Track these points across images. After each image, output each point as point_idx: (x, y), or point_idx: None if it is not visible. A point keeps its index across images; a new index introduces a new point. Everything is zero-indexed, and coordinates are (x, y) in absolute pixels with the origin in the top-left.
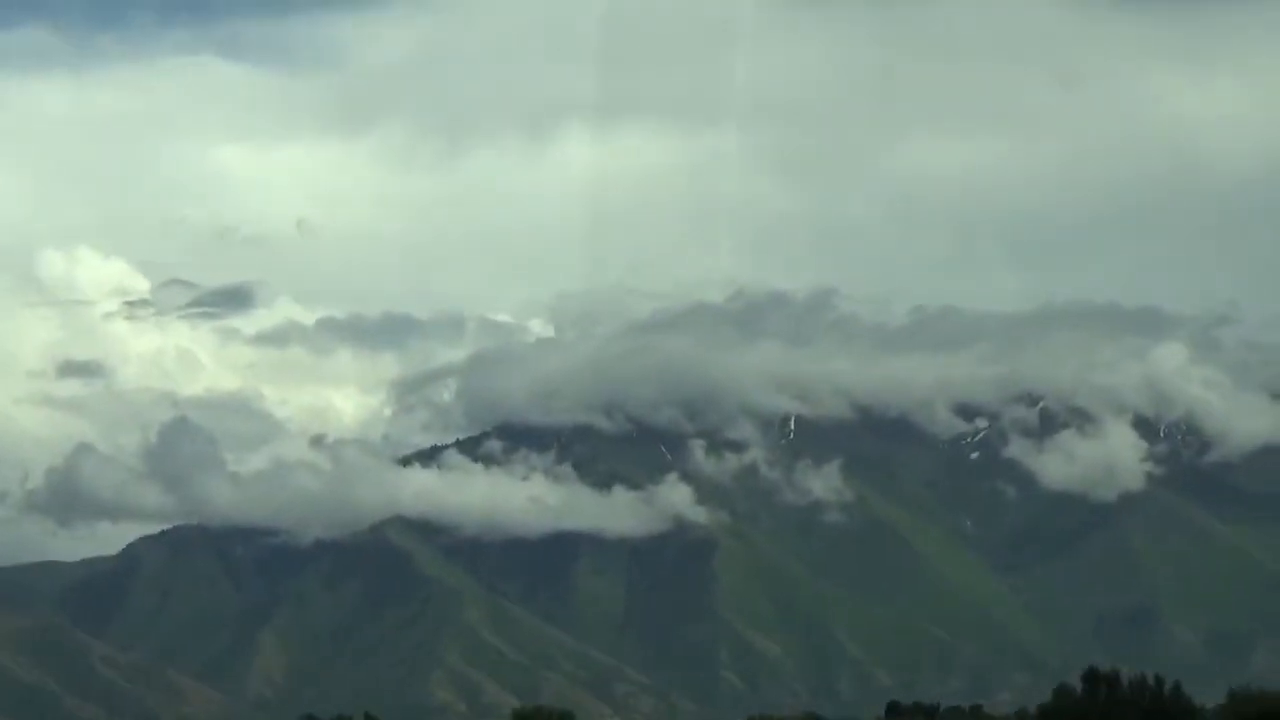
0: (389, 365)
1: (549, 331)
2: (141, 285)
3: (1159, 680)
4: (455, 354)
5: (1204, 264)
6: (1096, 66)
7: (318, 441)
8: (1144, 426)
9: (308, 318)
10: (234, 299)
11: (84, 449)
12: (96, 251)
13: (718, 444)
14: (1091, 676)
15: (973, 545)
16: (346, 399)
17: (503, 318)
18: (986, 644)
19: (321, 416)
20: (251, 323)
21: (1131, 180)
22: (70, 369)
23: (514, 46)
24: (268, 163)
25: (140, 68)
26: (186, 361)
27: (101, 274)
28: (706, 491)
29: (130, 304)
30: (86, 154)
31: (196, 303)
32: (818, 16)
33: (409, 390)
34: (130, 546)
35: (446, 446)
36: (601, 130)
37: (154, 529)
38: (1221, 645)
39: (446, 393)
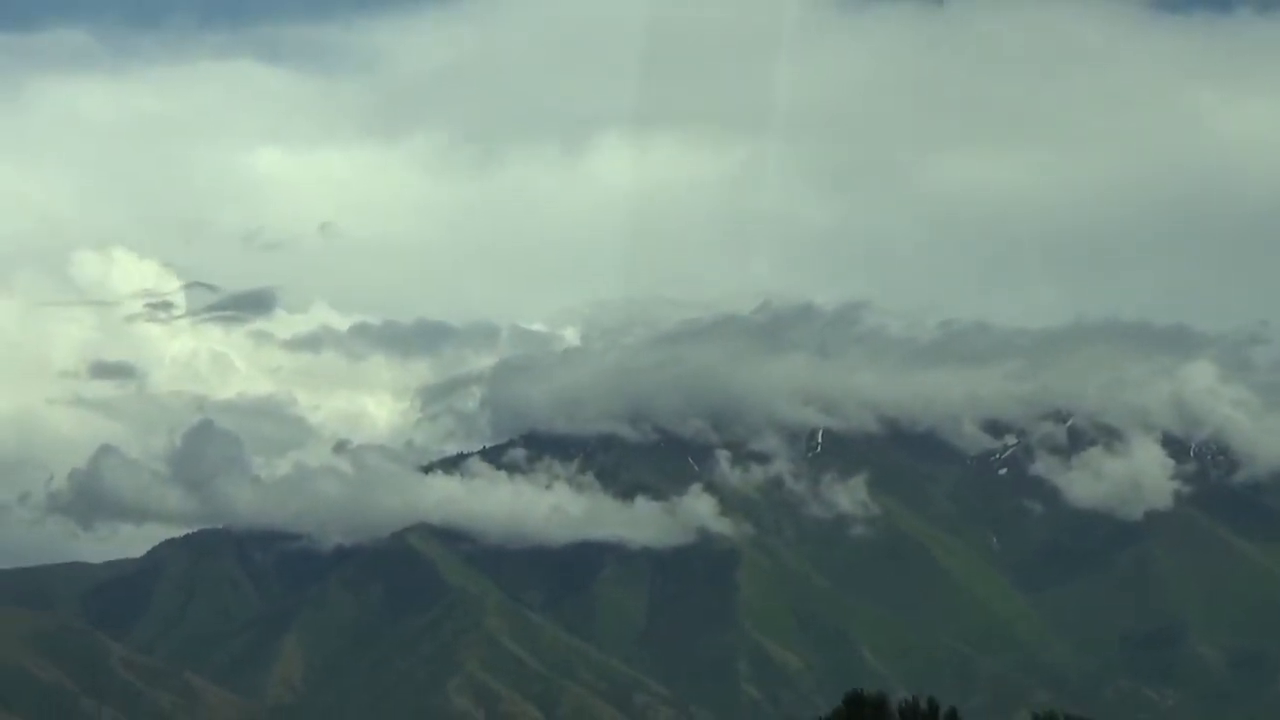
0: (423, 372)
1: (578, 341)
2: (168, 287)
3: (933, 704)
4: (487, 362)
5: (1235, 283)
6: (1134, 84)
7: (341, 447)
8: (1172, 445)
9: (342, 323)
10: (256, 303)
11: (107, 450)
12: (131, 253)
13: (743, 456)
14: (856, 699)
15: (998, 561)
16: (380, 405)
17: (536, 326)
18: (1009, 661)
19: (354, 422)
20: (286, 327)
21: (1164, 198)
22: (102, 370)
23: (552, 55)
24: (302, 167)
25: (178, 71)
26: (220, 365)
27: (133, 276)
28: (731, 503)
29: (152, 306)
30: (122, 156)
31: (218, 306)
32: (859, 29)
33: (434, 398)
34: (155, 549)
35: (470, 454)
36: (639, 140)
37: (177, 532)
38: (1247, 667)
39: (472, 401)
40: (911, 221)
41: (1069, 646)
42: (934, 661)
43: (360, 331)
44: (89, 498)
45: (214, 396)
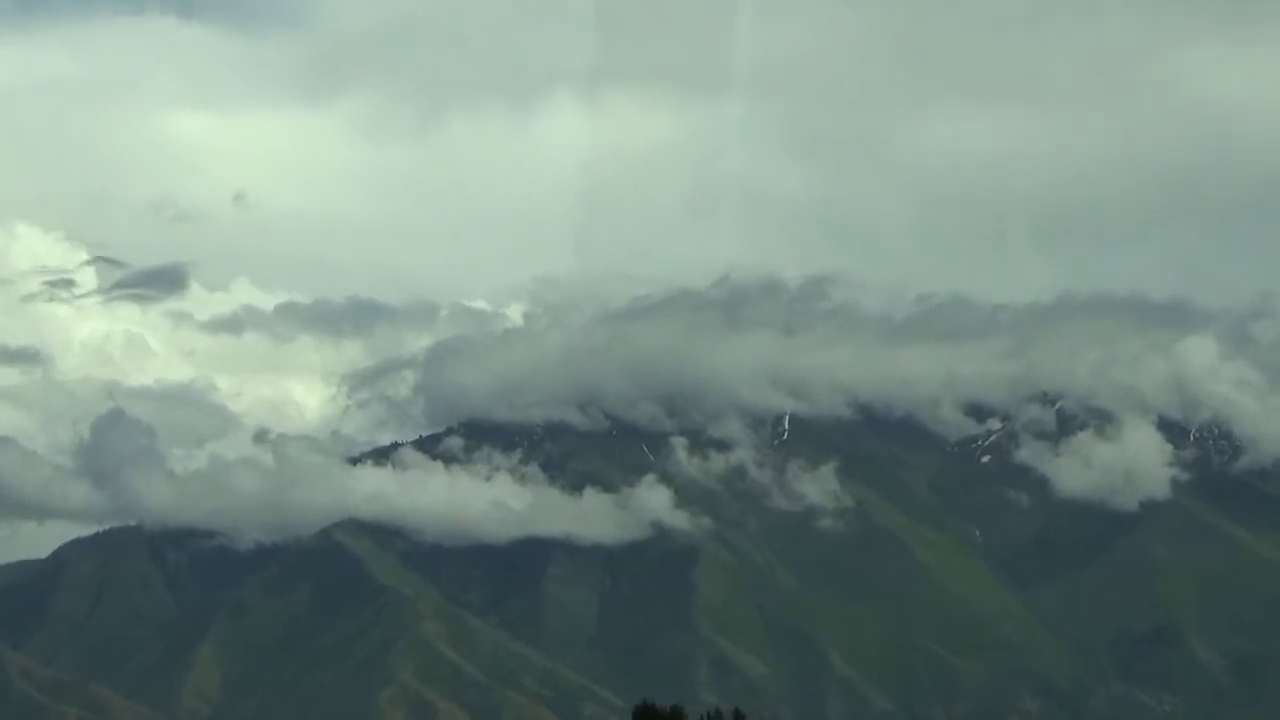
0: (357, 355)
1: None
2: (70, 264)
3: (739, 716)
4: (427, 343)
5: (1236, 253)
6: (1128, 40)
7: (261, 437)
8: (1170, 429)
9: (266, 302)
10: (166, 280)
11: (5, 443)
12: (34, 227)
13: (702, 443)
14: (646, 713)
15: (981, 556)
16: (310, 391)
17: (479, 304)
18: (994, 664)
19: (280, 410)
20: (205, 307)
21: (1161, 163)
22: (4, 355)
23: (498, 7)
24: (221, 132)
25: (86, 28)
26: (134, 348)
27: (36, 251)
28: (688, 495)
29: (51, 284)
30: (24, 121)
31: (125, 283)
32: None
33: (363, 383)
34: (60, 550)
35: (403, 444)
36: (593, 100)
37: (83, 530)
38: (1249, 668)
39: (404, 386)
40: (887, 188)
41: (1058, 648)
42: (911, 666)
43: (286, 311)
44: None
45: (126, 383)
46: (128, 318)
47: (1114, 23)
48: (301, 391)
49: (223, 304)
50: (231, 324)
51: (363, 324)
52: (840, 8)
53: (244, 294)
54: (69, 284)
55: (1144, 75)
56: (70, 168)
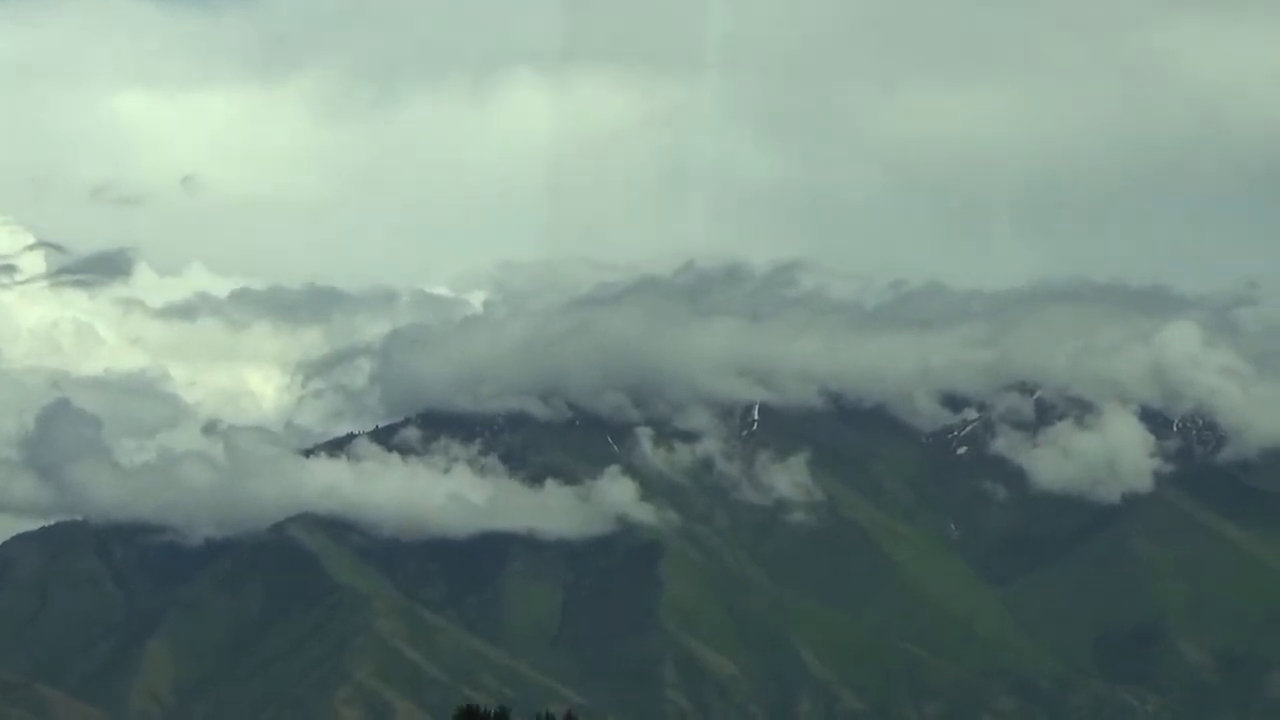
0: (315, 343)
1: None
2: (13, 249)
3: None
4: (383, 331)
5: (1219, 237)
6: (1110, 15)
7: (211, 428)
8: (1151, 419)
9: (220, 288)
10: (110, 266)
11: None
12: None
13: (667, 434)
14: (470, 714)
15: (957, 551)
16: (266, 381)
17: (440, 290)
18: (970, 663)
19: (235, 400)
20: (157, 293)
21: (1142, 145)
22: None
23: None
24: (171, 112)
25: (34, 3)
26: (83, 336)
27: None
28: (654, 488)
29: None
30: None
31: (68, 269)
32: None
33: (317, 373)
34: (4, 545)
35: (358, 435)
36: (557, 80)
37: (28, 525)
38: (1236, 666)
39: (360, 375)
40: (857, 170)
41: (1037, 646)
42: (884, 665)
43: (241, 297)
44: None
45: (75, 372)
46: (75, 304)
47: None
48: (259, 380)
49: (175, 290)
50: (185, 310)
51: (320, 311)
52: None
53: (197, 280)
54: (12, 270)
55: (1125, 53)
56: (11, 150)
